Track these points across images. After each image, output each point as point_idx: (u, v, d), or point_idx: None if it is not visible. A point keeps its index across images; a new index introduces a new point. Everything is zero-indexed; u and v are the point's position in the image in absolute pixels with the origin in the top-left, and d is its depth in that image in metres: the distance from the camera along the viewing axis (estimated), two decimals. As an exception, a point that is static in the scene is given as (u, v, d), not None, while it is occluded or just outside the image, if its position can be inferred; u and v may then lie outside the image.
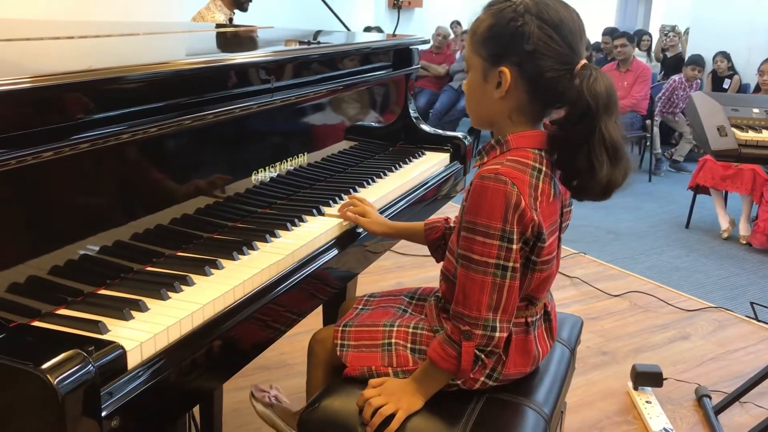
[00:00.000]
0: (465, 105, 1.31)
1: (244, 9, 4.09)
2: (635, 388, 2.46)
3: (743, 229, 4.54)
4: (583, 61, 1.17)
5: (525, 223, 1.15)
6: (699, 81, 6.69)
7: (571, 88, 1.16)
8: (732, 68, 7.04)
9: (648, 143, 6.49)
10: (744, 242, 4.49)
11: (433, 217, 1.57)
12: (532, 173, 1.17)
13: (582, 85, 1.14)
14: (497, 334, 1.17)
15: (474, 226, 1.15)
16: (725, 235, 4.61)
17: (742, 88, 6.96)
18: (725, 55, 7.01)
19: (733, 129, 2.07)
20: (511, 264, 1.15)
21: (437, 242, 1.48)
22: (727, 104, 2.13)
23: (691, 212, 4.85)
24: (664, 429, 2.23)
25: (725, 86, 7.00)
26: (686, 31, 8.37)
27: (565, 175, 1.21)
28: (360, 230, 1.55)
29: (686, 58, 7.20)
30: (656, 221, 4.94)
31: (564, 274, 3.59)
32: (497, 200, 1.13)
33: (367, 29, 7.61)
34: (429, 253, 1.54)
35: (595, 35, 8.28)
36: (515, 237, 1.14)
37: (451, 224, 1.47)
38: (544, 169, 1.19)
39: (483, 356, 1.18)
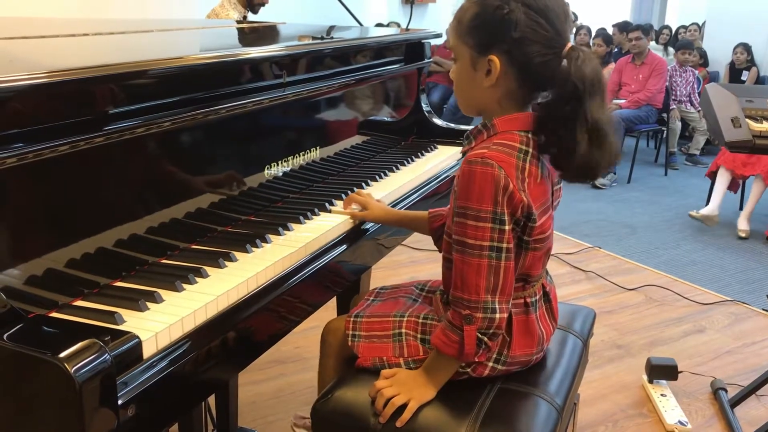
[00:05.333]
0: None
1: (254, 11, 4.12)
2: (650, 381, 2.45)
3: (742, 223, 4.46)
4: (570, 44, 1.18)
5: (515, 204, 1.16)
6: (692, 65, 6.63)
7: (559, 71, 1.17)
8: (751, 60, 6.98)
9: (664, 136, 6.44)
10: (743, 236, 4.42)
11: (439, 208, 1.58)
12: (519, 155, 1.19)
13: (570, 67, 1.15)
14: (497, 315, 1.18)
15: (465, 211, 1.17)
16: (710, 221, 4.55)
17: (760, 80, 6.89)
18: (746, 47, 6.95)
19: (748, 120, 2.05)
20: (504, 245, 1.16)
21: (441, 230, 1.48)
22: (741, 95, 2.11)
23: (707, 206, 4.81)
24: (680, 422, 2.23)
25: (743, 78, 6.94)
26: (703, 24, 8.31)
27: (553, 156, 1.22)
28: (370, 224, 1.56)
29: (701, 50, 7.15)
30: (672, 215, 4.91)
31: (579, 268, 3.59)
32: (486, 184, 1.14)
33: (378, 26, 7.60)
34: (442, 247, 1.54)
35: (611, 28, 8.22)
36: (506, 218, 1.15)
37: None
38: (531, 150, 1.20)
39: (486, 339, 1.19)
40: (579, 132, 1.15)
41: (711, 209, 4.59)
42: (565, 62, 1.17)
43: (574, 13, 9.63)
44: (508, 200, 1.15)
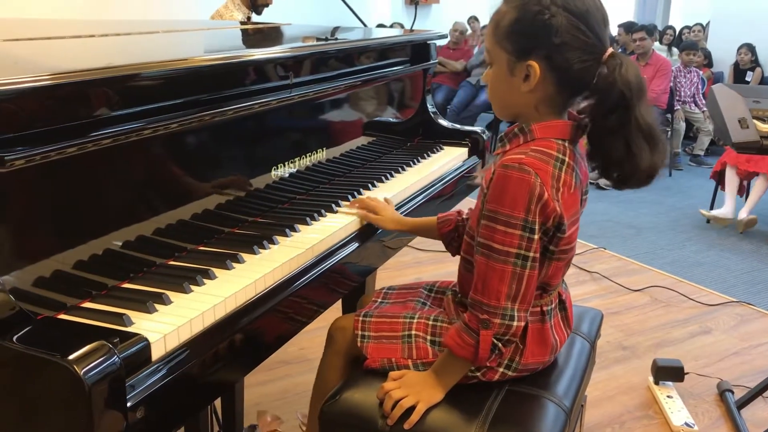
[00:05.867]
0: (483, 100, 1.33)
1: (258, 12, 4.11)
2: (656, 383, 2.44)
3: (743, 216, 4.47)
4: (611, 50, 1.17)
5: (547, 213, 1.15)
6: (697, 66, 6.61)
7: (599, 77, 1.16)
8: (755, 61, 6.96)
9: (668, 137, 6.42)
10: (743, 219, 4.42)
11: (449, 212, 1.58)
12: (555, 164, 1.17)
13: (614, 74, 1.14)
14: (515, 323, 1.17)
15: (496, 215, 1.15)
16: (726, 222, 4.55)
17: (764, 81, 6.88)
18: (750, 48, 6.94)
19: (755, 121, 2.05)
20: (531, 254, 1.15)
21: (451, 235, 1.48)
22: (748, 96, 2.10)
23: (712, 207, 4.81)
24: (686, 424, 2.22)
25: (747, 78, 6.93)
26: (707, 25, 8.29)
27: (603, 167, 1.21)
28: (377, 225, 1.56)
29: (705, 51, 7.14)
30: (677, 216, 4.90)
31: (584, 269, 3.58)
32: (521, 190, 1.13)
33: (380, 26, 7.61)
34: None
35: (615, 28, 8.22)
36: (537, 227, 1.14)
37: (464, 216, 1.47)
38: (567, 160, 1.19)
39: (500, 345, 1.19)
40: (637, 139, 1.15)
41: (725, 212, 4.58)
42: (604, 68, 1.15)
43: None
44: (541, 209, 1.14)
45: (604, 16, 1.19)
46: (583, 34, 1.15)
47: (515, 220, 1.14)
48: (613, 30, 7.95)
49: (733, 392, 2.39)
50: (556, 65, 1.16)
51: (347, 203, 1.57)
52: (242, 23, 3.56)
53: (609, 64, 1.15)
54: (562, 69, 1.17)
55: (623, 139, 1.15)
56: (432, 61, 2.23)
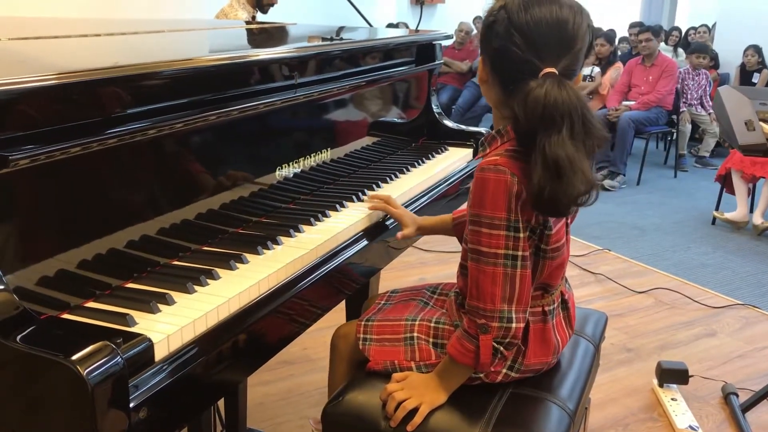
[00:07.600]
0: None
1: (264, 11, 4.12)
2: (660, 385, 2.43)
3: (758, 220, 4.47)
4: (547, 71, 1.11)
5: (528, 211, 1.15)
6: (705, 68, 6.59)
7: (528, 95, 1.09)
8: (762, 62, 6.94)
9: (673, 138, 6.41)
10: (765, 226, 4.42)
11: (461, 208, 1.57)
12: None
13: (527, 95, 1.08)
14: (514, 325, 1.17)
15: (479, 219, 1.16)
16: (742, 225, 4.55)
17: (771, 83, 6.85)
18: (756, 49, 6.91)
19: (762, 123, 2.04)
20: (520, 253, 1.15)
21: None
22: (755, 98, 2.10)
23: (717, 208, 4.79)
24: (690, 427, 2.21)
25: (754, 80, 6.90)
26: (713, 26, 8.27)
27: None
28: (387, 222, 1.56)
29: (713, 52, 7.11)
30: (682, 217, 4.88)
31: (588, 271, 3.57)
32: (499, 191, 1.13)
33: (390, 26, 7.61)
34: (451, 250, 1.54)
35: (620, 29, 8.20)
36: (521, 225, 1.14)
37: None
38: None
39: (501, 348, 1.18)
40: (534, 165, 1.09)
41: (739, 216, 4.58)
42: (523, 91, 1.10)
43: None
44: (521, 207, 1.14)
45: (562, 34, 1.13)
46: (517, 46, 1.12)
47: (498, 220, 1.14)
48: (625, 31, 7.94)
49: (737, 395, 2.38)
50: (495, 68, 1.20)
51: (352, 203, 1.57)
52: (247, 23, 3.56)
53: (532, 84, 1.09)
54: (499, 73, 1.20)
55: (532, 163, 1.09)
56: (437, 62, 2.22)
